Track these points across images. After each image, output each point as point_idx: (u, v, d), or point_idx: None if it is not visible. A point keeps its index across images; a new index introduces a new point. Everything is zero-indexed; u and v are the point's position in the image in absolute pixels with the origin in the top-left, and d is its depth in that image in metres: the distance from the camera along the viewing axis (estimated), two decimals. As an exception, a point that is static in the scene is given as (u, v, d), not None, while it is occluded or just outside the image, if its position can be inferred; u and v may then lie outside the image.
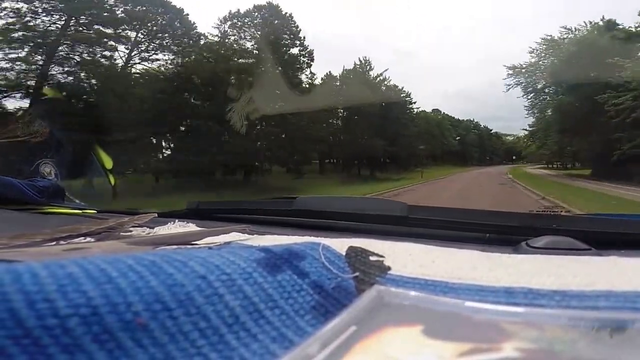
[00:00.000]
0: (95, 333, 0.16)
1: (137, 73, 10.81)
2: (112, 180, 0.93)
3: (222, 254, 0.22)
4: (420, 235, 0.44)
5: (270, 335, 0.19)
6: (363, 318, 0.18)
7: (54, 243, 0.41)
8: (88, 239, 0.44)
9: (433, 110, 29.75)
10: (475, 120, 39.75)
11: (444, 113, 32.52)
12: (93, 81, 9.26)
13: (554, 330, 0.17)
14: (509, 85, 15.24)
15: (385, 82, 16.80)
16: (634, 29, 11.68)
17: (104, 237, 0.44)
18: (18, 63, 7.86)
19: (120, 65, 10.12)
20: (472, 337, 0.17)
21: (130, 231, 0.47)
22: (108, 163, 0.95)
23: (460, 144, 34.99)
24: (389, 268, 0.27)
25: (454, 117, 34.87)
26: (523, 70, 14.60)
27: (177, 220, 0.51)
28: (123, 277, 0.18)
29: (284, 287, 0.22)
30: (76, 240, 0.44)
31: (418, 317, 0.19)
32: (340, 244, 0.30)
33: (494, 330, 0.17)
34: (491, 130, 42.30)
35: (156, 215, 0.53)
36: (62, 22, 8.87)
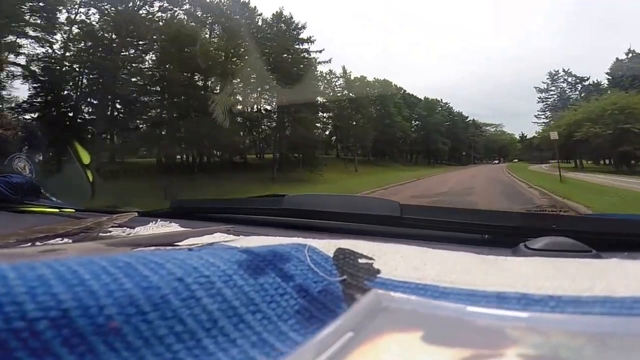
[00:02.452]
0: (66, 337, 0.15)
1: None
2: (90, 177, 0.90)
3: (202, 256, 0.22)
4: (413, 236, 0.43)
5: (250, 340, 0.19)
6: (360, 323, 0.18)
7: (29, 244, 0.40)
8: (65, 239, 0.43)
9: (376, 80, 18.58)
10: (444, 102, 26.74)
11: (394, 84, 20.47)
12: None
13: (558, 336, 0.17)
14: None
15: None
16: None
17: (81, 238, 0.43)
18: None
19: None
20: (472, 343, 0.16)
21: (110, 231, 0.46)
22: (86, 158, 0.92)
23: (421, 130, 23.23)
24: (378, 271, 0.26)
25: (412, 94, 22.92)
26: None
27: (159, 220, 0.50)
28: (96, 280, 0.18)
29: (267, 290, 0.22)
30: (53, 241, 0.42)
31: (417, 322, 0.18)
32: (329, 246, 0.29)
33: (495, 336, 0.17)
34: (467, 117, 29.20)
35: (136, 214, 0.52)
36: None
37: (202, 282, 0.20)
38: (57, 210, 0.73)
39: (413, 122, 23.39)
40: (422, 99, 24.68)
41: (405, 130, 21.11)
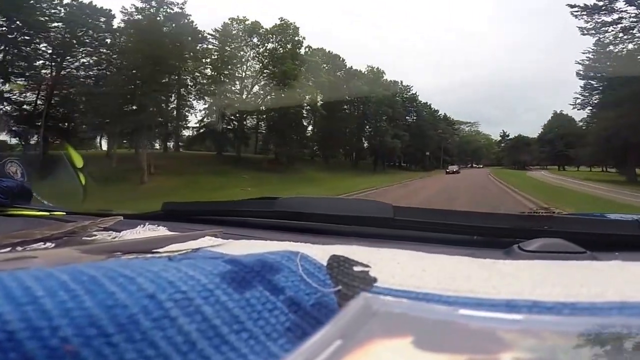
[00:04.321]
0: None
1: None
2: (83, 180, 0.88)
3: (180, 268, 0.20)
4: (406, 237, 0.43)
5: None
6: (349, 330, 0.17)
7: (8, 249, 0.37)
8: (48, 244, 0.40)
9: (276, 27, 11.87)
10: (405, 84, 20.41)
11: (310, 47, 12.68)
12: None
13: (555, 338, 0.16)
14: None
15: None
16: None
17: (63, 243, 0.40)
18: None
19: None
20: (467, 348, 0.15)
21: (94, 235, 0.43)
22: (79, 161, 0.90)
23: (361, 117, 13.92)
24: (375, 279, 0.24)
25: (352, 68, 14.31)
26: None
27: (147, 223, 0.48)
28: (50, 297, 0.16)
29: (253, 306, 0.19)
30: (35, 245, 0.40)
31: (409, 326, 0.17)
32: (322, 252, 0.27)
33: (490, 340, 0.16)
34: (437, 111, 22.96)
35: (122, 218, 0.49)
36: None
37: (178, 299, 0.18)
38: (47, 213, 0.71)
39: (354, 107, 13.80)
40: (365, 71, 14.26)
41: (313, 106, 11.69)
